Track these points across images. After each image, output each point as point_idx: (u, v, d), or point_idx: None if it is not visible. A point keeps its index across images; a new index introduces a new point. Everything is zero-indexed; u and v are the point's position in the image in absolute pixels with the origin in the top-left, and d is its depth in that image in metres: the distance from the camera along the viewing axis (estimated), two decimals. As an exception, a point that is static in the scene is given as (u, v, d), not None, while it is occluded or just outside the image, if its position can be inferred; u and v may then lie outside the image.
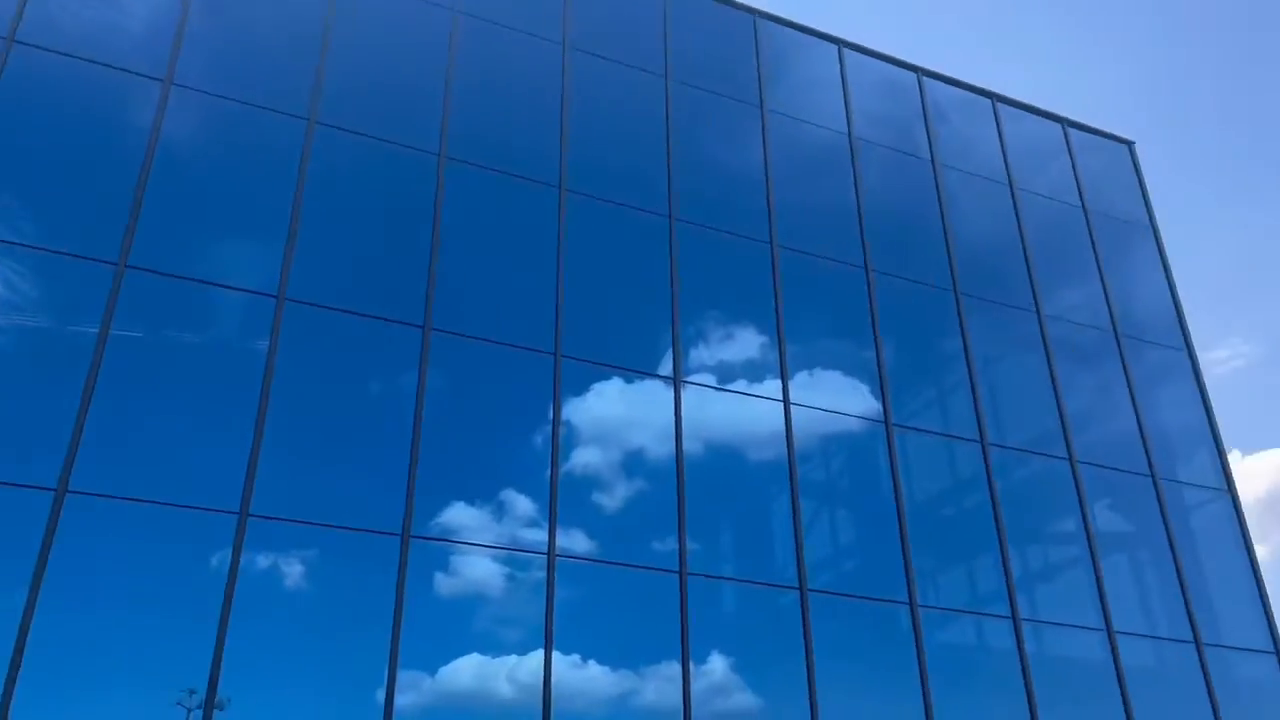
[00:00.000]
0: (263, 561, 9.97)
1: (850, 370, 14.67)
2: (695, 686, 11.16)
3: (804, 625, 11.87)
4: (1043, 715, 12.65)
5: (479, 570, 10.80)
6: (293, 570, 10.09)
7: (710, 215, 14.40)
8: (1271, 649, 15.02)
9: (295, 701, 9.61)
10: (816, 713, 11.34)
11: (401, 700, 9.79)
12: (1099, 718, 13.29)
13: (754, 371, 13.83)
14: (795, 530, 12.49)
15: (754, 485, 13.22)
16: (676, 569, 11.32)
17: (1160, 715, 13.70)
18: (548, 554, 10.79)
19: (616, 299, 13.37)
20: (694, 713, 10.95)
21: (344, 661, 9.94)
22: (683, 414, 12.69)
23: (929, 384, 15.79)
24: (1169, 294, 17.94)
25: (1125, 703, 13.33)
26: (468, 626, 10.62)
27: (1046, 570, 15.23)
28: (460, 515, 10.90)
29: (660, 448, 12.54)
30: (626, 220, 13.82)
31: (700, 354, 13.61)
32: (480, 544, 10.69)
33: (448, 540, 10.59)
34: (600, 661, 10.94)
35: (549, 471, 11.58)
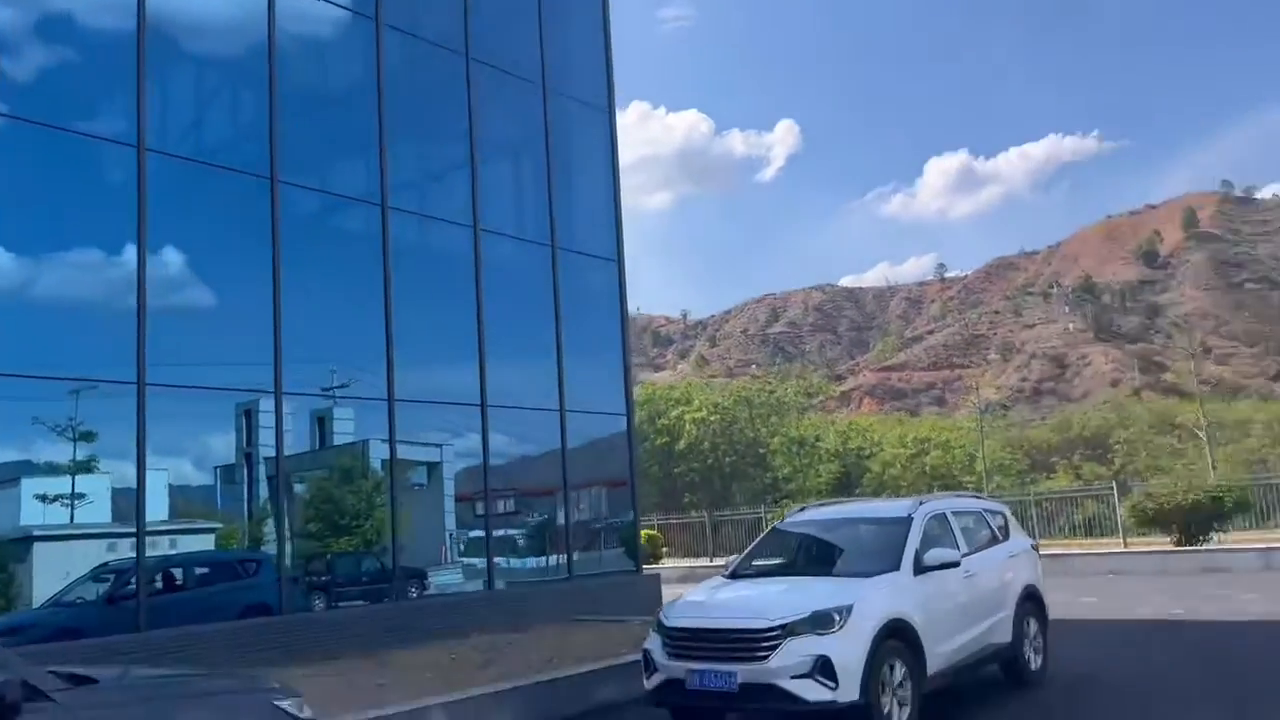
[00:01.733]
0: None
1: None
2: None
3: (139, 186, 10.91)
4: (397, 295, 13.32)
5: None
6: None
7: None
8: (614, 258, 17.26)
9: None
10: (144, 271, 10.76)
11: None
12: (453, 301, 14.43)
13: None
14: (138, 84, 11.13)
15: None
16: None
17: (510, 304, 15.27)
18: None
19: None
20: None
21: None
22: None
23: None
24: (597, -84, 18.03)
25: (478, 289, 14.55)
26: None
27: (432, 168, 15.60)
28: None
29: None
30: None
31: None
32: None
33: None
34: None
35: None
